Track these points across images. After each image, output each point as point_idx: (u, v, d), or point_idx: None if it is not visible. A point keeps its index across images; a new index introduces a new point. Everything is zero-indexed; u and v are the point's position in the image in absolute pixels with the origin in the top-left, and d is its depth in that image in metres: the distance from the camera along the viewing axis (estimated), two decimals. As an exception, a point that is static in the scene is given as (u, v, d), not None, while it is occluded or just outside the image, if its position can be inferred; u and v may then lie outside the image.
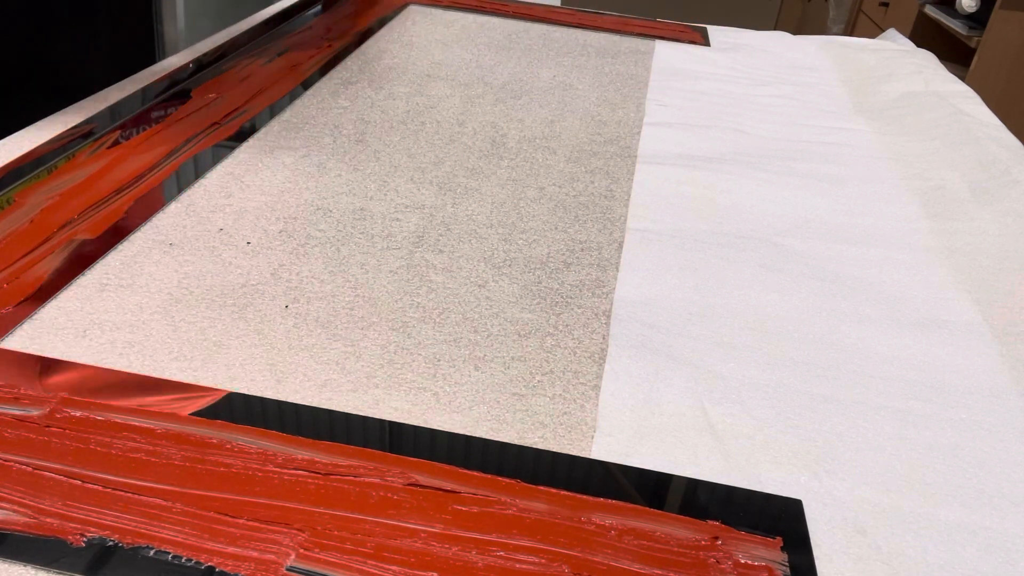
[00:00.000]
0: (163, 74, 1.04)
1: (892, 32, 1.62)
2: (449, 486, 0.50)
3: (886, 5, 2.99)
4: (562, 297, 0.71)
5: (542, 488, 0.50)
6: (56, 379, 0.55)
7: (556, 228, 0.82)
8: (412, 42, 1.32)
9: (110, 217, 0.74)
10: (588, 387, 0.60)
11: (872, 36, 1.65)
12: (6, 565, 0.42)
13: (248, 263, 0.71)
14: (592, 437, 0.55)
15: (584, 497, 0.50)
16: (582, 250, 0.78)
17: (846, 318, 0.72)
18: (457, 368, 0.61)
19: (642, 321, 0.68)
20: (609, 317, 0.68)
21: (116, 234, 0.72)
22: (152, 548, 0.43)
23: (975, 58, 2.32)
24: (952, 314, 0.73)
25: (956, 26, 2.41)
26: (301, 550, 0.44)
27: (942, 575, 0.48)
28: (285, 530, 0.45)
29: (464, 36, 1.38)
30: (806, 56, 1.47)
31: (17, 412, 0.51)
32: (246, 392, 0.56)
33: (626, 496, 0.51)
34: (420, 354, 0.62)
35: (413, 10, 1.49)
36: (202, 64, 1.09)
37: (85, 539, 0.44)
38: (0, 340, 0.58)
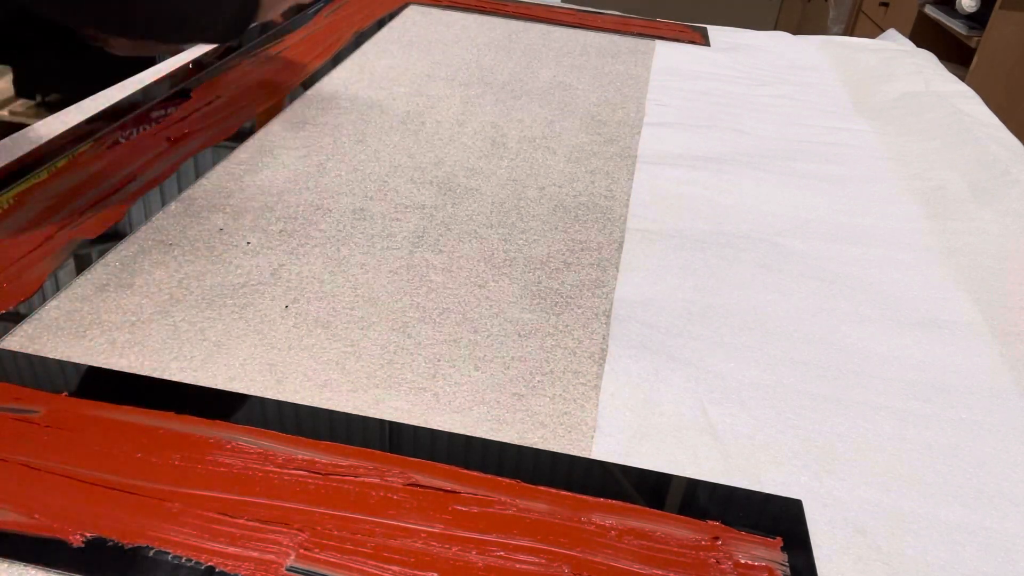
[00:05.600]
0: (163, 74, 1.04)
1: (892, 32, 1.61)
2: (449, 486, 0.50)
3: (886, 5, 3.00)
4: (562, 297, 0.71)
5: (542, 488, 0.50)
6: (56, 379, 0.55)
7: (556, 228, 0.82)
8: (412, 42, 1.32)
9: (110, 217, 0.74)
10: (588, 387, 0.60)
11: (872, 36, 1.65)
12: (6, 565, 0.42)
13: (248, 263, 0.71)
14: (592, 437, 0.55)
15: (584, 497, 0.50)
16: (582, 250, 0.78)
17: (846, 318, 0.72)
18: (457, 368, 0.61)
19: (642, 321, 0.68)
20: (609, 317, 0.68)
21: (116, 234, 0.72)
22: (152, 548, 0.43)
23: (975, 58, 2.32)
24: (952, 314, 0.73)
25: (956, 26, 2.41)
26: (301, 550, 0.44)
27: (942, 575, 0.48)
28: (285, 530, 0.45)
29: (464, 36, 1.38)
30: (806, 56, 1.47)
31: (17, 412, 0.51)
32: (246, 392, 0.56)
33: (626, 496, 0.51)
34: (420, 354, 0.62)
35: (413, 10, 1.49)
36: (202, 64, 1.09)
37: (85, 539, 0.44)
38: (0, 340, 0.58)
